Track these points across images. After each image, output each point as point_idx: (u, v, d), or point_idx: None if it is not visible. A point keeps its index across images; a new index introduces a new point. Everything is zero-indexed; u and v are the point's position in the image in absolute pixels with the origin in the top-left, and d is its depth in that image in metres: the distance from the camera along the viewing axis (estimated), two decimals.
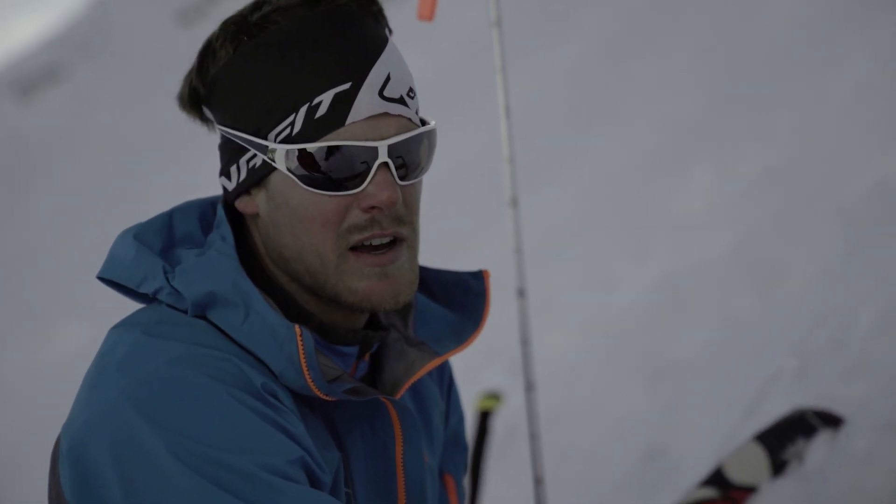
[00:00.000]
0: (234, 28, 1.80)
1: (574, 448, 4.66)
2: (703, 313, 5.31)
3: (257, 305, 1.74)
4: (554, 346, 5.70)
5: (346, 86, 1.74)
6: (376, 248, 1.79)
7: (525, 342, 2.50)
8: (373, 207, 1.76)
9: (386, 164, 1.76)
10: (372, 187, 1.76)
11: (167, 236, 1.82)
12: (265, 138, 1.77)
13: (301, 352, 1.71)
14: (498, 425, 4.48)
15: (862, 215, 5.12)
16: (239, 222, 1.87)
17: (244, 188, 1.81)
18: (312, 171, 1.75)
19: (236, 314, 1.74)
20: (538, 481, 2.40)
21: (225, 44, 1.80)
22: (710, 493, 2.57)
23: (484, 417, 3.29)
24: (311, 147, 1.74)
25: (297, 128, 1.75)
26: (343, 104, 1.74)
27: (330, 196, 1.76)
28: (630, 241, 6.81)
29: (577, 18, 11.75)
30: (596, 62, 10.51)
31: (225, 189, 1.84)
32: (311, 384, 1.72)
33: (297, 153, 1.75)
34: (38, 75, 24.20)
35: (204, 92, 1.83)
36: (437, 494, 2.03)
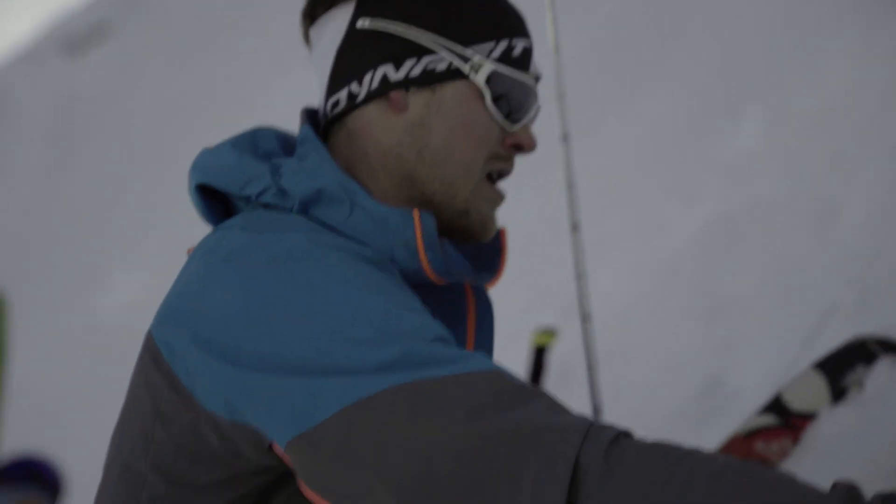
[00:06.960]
0: None
1: (629, 383, 4.66)
2: (757, 252, 5.28)
3: (363, 201, 1.77)
4: (606, 286, 5.69)
5: (529, 42, 1.90)
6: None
7: (580, 275, 2.49)
8: (517, 147, 1.89)
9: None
10: (527, 130, 1.90)
11: (256, 149, 1.84)
12: (467, 48, 1.85)
13: (419, 235, 1.76)
14: (553, 362, 4.49)
15: None
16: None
17: (411, 84, 1.83)
18: (503, 96, 1.86)
19: (341, 210, 1.77)
20: (596, 411, 2.41)
21: None
22: (769, 420, 2.57)
23: (539, 353, 3.28)
24: (519, 76, 1.87)
25: (496, 56, 1.86)
26: (528, 56, 1.90)
27: (500, 122, 1.86)
28: (682, 182, 6.77)
29: None
30: (644, 5, 10.42)
31: (350, 93, 1.85)
32: (427, 267, 1.77)
33: (503, 76, 1.85)
34: (86, 33, 24.29)
35: None
36: None
